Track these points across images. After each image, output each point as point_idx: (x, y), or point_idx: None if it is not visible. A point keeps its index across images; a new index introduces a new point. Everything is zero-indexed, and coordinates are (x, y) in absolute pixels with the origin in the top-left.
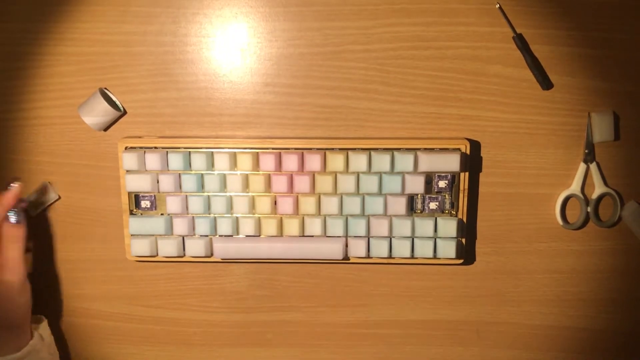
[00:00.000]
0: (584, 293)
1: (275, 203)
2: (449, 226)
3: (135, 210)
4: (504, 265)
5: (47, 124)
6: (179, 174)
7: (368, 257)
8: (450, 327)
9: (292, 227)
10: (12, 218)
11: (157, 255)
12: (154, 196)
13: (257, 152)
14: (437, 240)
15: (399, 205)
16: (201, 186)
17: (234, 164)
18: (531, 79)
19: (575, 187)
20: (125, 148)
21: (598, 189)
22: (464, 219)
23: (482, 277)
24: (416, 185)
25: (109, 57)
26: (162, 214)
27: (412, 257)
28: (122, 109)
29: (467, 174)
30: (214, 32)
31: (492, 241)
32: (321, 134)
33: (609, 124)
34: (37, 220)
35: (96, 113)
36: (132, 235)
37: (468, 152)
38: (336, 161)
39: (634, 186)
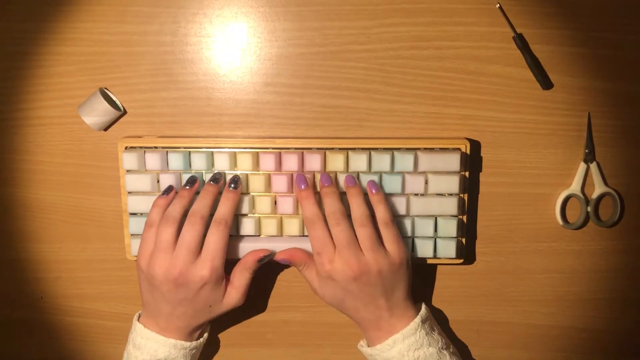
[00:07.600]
0: (584, 293)
1: (275, 203)
2: (449, 226)
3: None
4: (504, 265)
5: (47, 124)
6: (179, 173)
7: None
8: (450, 327)
9: (292, 227)
10: (232, 185)
11: None
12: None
13: (257, 152)
14: (437, 240)
15: (399, 205)
16: (201, 186)
17: (234, 163)
18: (531, 79)
19: (575, 187)
20: (125, 148)
21: (598, 188)
22: (464, 219)
23: (482, 277)
24: (416, 185)
25: (109, 57)
26: None
27: (412, 257)
28: (122, 108)
29: (467, 173)
30: (214, 32)
31: (492, 241)
32: (321, 134)
33: None
34: (36, 219)
35: (96, 113)
36: (132, 235)
37: (468, 152)
38: (336, 161)
39: (634, 186)
